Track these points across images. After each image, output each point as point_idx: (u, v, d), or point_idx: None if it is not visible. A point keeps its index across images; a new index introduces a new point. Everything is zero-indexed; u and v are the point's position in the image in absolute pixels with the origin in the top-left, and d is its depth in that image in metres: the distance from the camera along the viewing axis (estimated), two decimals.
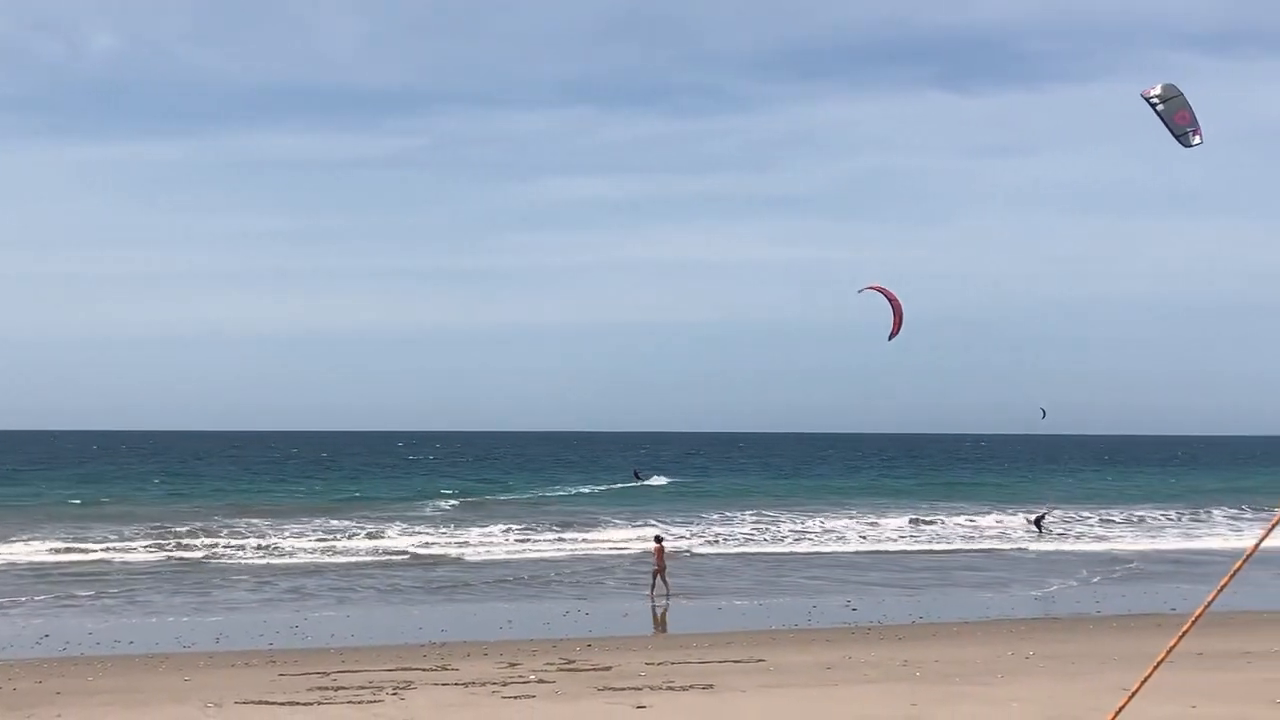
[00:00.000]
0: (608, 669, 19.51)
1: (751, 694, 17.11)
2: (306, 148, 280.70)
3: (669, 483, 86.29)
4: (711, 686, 17.70)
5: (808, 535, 47.72)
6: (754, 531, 48.88)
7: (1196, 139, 16.20)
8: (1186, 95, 14.75)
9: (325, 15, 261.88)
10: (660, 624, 26.80)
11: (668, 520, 51.67)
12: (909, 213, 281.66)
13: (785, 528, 50.30)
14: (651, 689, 17.61)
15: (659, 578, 30.71)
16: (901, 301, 24.87)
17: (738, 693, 17.24)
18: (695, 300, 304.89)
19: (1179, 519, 57.73)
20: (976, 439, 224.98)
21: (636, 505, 62.04)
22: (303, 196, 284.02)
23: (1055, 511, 52.97)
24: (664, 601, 29.50)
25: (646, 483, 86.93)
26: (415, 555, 40.09)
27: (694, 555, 40.53)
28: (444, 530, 47.92)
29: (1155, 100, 16.20)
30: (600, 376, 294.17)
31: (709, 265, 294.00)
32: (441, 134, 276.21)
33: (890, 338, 25.25)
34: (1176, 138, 16.19)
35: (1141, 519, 57.41)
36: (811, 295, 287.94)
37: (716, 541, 45.07)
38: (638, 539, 43.38)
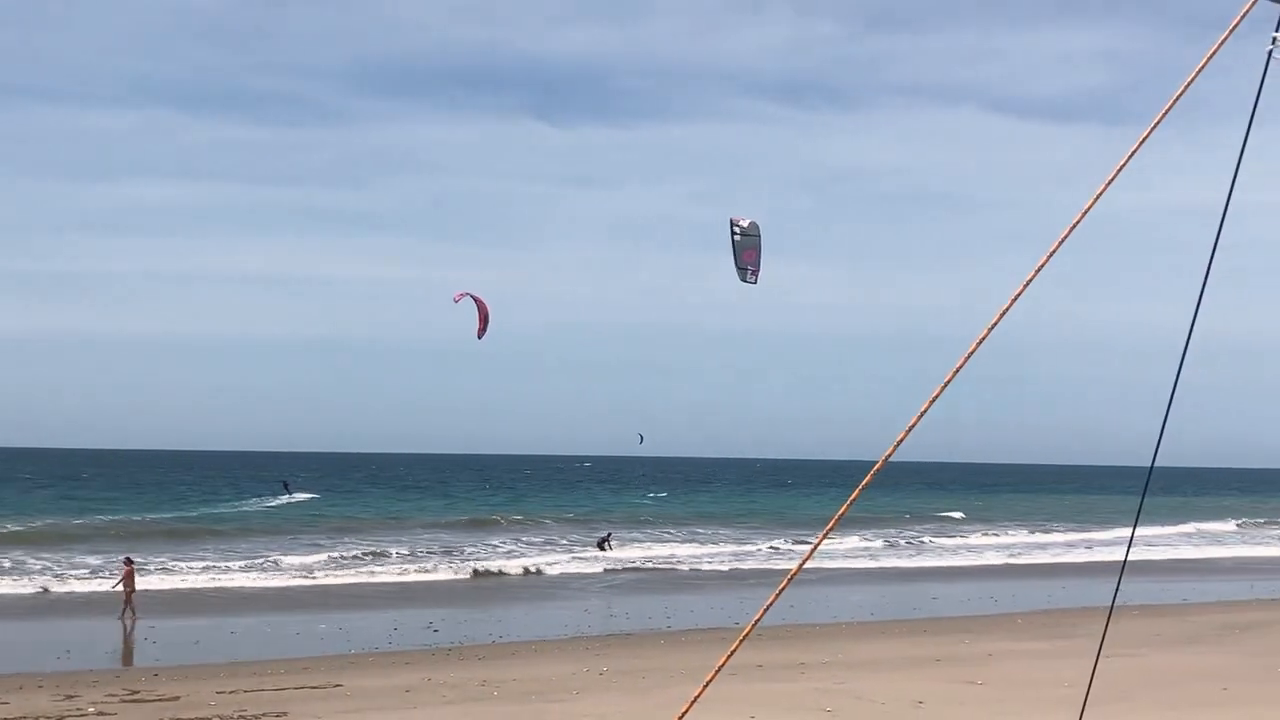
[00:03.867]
0: (175, 699, 18.67)
1: None
2: None
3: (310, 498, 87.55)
4: (285, 715, 17.26)
5: (415, 558, 47.02)
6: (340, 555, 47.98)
7: (751, 278, 17.56)
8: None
9: None
10: (128, 651, 25.61)
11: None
12: (502, 237, 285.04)
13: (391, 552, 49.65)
14: (221, 719, 16.98)
15: (128, 601, 29.58)
16: (489, 306, 27.96)
17: (313, 719, 16.88)
18: (285, 314, 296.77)
19: (741, 538, 61.02)
20: (582, 459, 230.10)
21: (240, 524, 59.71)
22: None
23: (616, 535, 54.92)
24: (129, 624, 28.47)
25: (294, 497, 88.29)
26: None
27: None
28: None
29: (737, 232, 17.37)
30: (188, 391, 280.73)
31: (297, 279, 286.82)
32: (6, 129, 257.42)
33: (479, 336, 28.18)
34: (736, 268, 17.51)
35: (696, 534, 60.55)
36: (405, 314, 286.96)
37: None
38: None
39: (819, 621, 29.07)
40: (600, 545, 51.00)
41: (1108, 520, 72.09)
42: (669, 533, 62.99)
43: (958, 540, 60.58)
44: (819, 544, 4.49)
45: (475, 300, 28.02)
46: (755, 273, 17.59)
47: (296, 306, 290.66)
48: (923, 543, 58.44)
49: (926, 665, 21.62)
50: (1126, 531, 63.39)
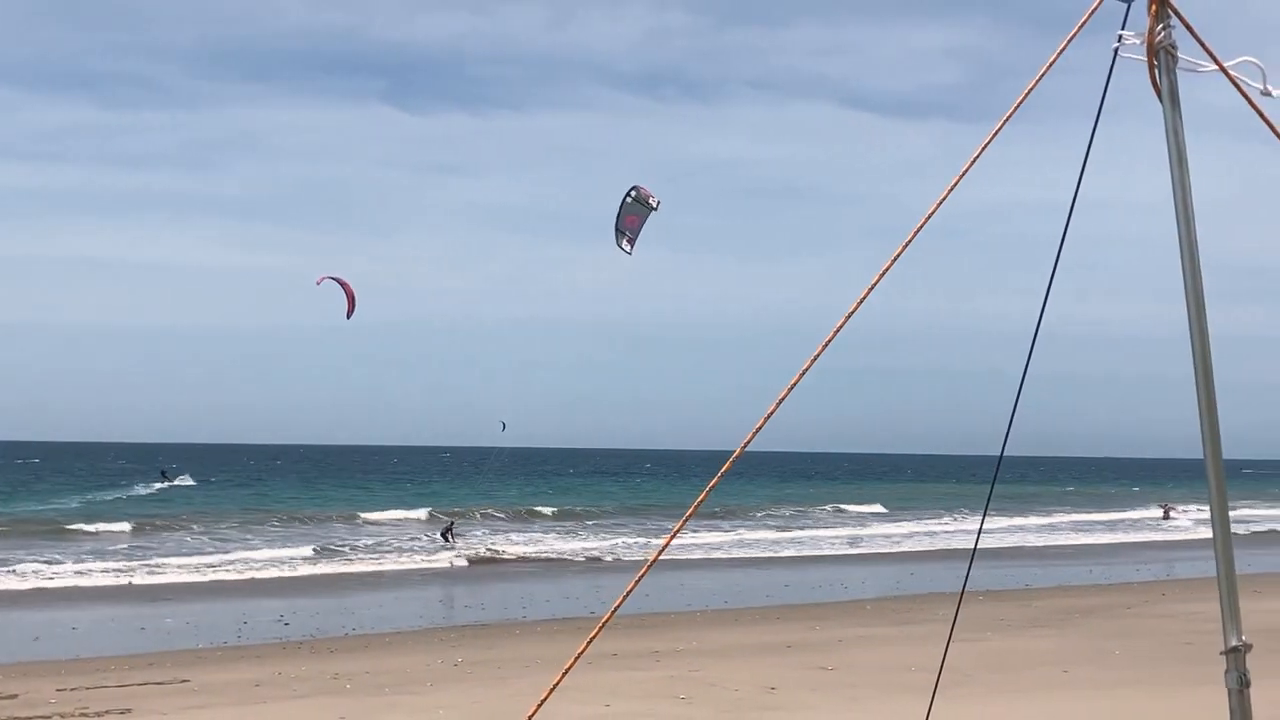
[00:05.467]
0: (13, 697, 18.06)
1: (173, 716, 16.43)
2: None
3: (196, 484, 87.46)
4: (129, 711, 16.82)
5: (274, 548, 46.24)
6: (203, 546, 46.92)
7: (626, 246, 17.44)
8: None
9: None
10: None
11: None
12: (357, 224, 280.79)
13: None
14: (61, 717, 16.49)
15: None
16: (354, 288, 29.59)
17: (158, 716, 16.49)
18: (132, 300, 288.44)
19: (613, 526, 61.21)
20: (441, 450, 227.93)
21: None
22: None
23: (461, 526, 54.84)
24: None
25: (175, 483, 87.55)
26: None
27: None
28: None
29: (631, 195, 17.23)
30: (29, 378, 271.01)
31: (146, 265, 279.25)
32: None
33: (348, 316, 29.65)
34: (615, 230, 17.34)
35: (554, 525, 60.55)
36: (258, 301, 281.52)
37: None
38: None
39: (675, 610, 29.26)
40: (444, 535, 50.67)
41: (959, 508, 73.95)
42: (526, 523, 63.00)
43: (834, 531, 61.30)
44: (676, 533, 4.50)
45: (339, 282, 28.67)
46: (632, 242, 17.40)
47: (145, 292, 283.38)
48: (790, 530, 59.28)
49: (779, 652, 21.92)
50: (973, 521, 65.10)
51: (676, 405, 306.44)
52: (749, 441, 4.23)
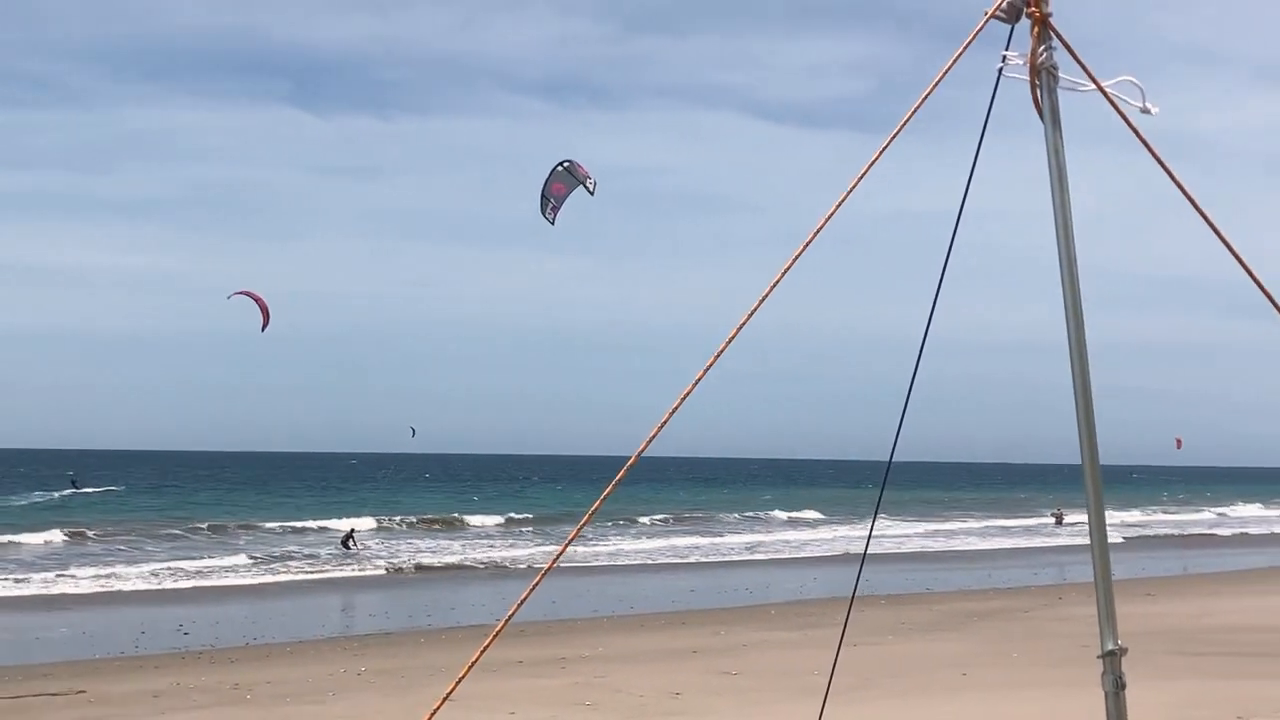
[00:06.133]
0: None
1: None
2: None
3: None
4: None
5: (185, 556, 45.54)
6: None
7: (550, 214, 17.33)
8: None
9: None
10: None
11: None
12: (260, 227, 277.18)
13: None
14: None
15: None
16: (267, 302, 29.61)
17: None
18: (28, 304, 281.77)
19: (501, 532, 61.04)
20: (348, 457, 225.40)
21: None
22: None
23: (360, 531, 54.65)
24: None
25: (82, 490, 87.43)
26: None
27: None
28: None
29: (565, 165, 17.13)
30: None
31: (40, 269, 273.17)
32: None
33: (263, 329, 29.67)
34: (540, 197, 17.23)
35: (461, 531, 60.29)
36: (160, 304, 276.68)
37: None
38: None
39: (581, 616, 29.27)
40: (345, 543, 50.19)
41: (867, 513, 74.70)
42: (432, 530, 62.62)
43: (742, 537, 61.55)
44: (570, 542, 4.55)
45: (252, 297, 28.80)
46: (555, 210, 17.25)
47: (42, 296, 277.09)
48: (698, 536, 59.47)
49: (684, 657, 22.03)
50: (881, 525, 65.94)
51: (583, 410, 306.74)
52: (642, 450, 4.28)
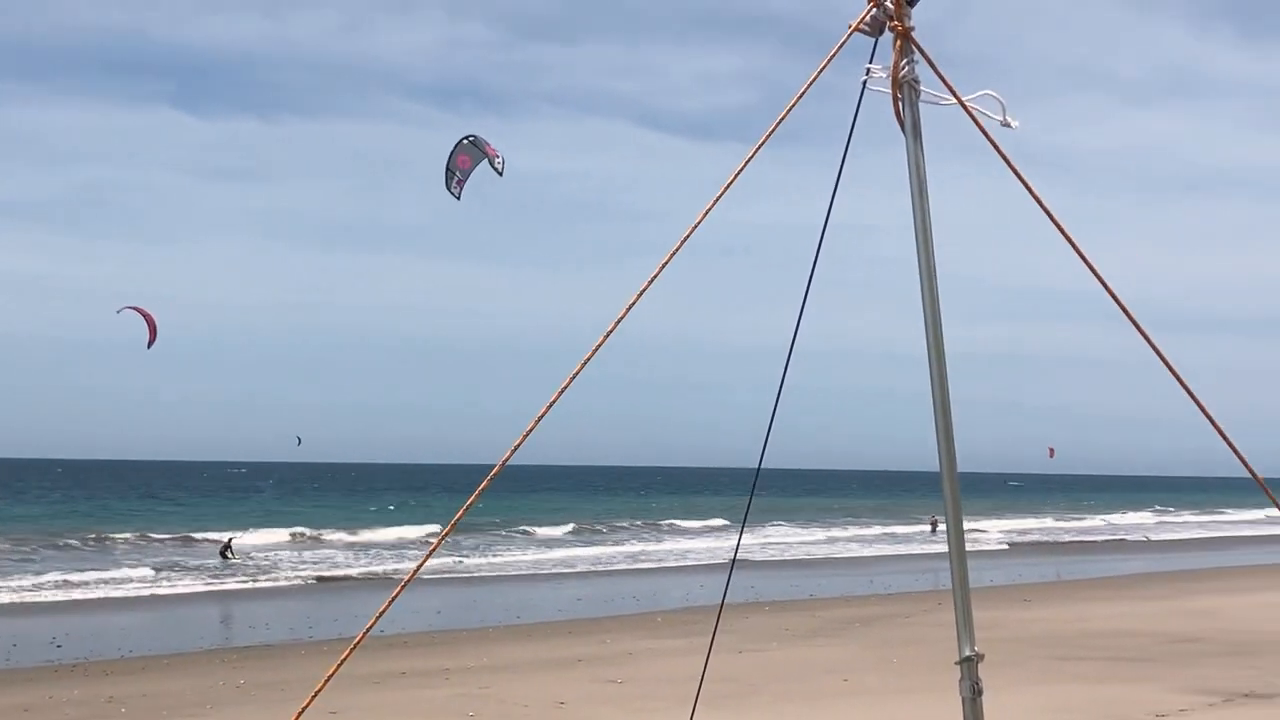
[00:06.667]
0: None
1: None
2: None
3: None
4: None
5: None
6: None
7: (455, 189, 17.03)
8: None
9: None
10: None
11: None
12: (136, 231, 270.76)
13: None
14: None
15: None
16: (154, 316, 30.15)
17: None
18: None
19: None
20: (233, 466, 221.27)
21: None
22: None
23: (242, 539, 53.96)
24: None
25: None
26: None
27: None
28: None
29: (471, 139, 16.84)
30: None
31: None
32: None
33: (149, 345, 29.92)
34: (445, 170, 16.91)
35: (348, 540, 59.65)
36: (34, 310, 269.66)
37: None
38: None
39: (467, 626, 29.08)
40: (222, 553, 49.35)
41: (753, 521, 75.03)
42: (314, 541, 61.79)
43: (623, 548, 61.44)
44: (435, 548, 4.51)
45: (140, 313, 29.61)
46: (460, 185, 16.90)
47: None
48: (583, 546, 59.38)
49: (569, 666, 21.99)
50: (769, 532, 66.35)
51: (475, 418, 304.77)
52: (508, 458, 4.26)
